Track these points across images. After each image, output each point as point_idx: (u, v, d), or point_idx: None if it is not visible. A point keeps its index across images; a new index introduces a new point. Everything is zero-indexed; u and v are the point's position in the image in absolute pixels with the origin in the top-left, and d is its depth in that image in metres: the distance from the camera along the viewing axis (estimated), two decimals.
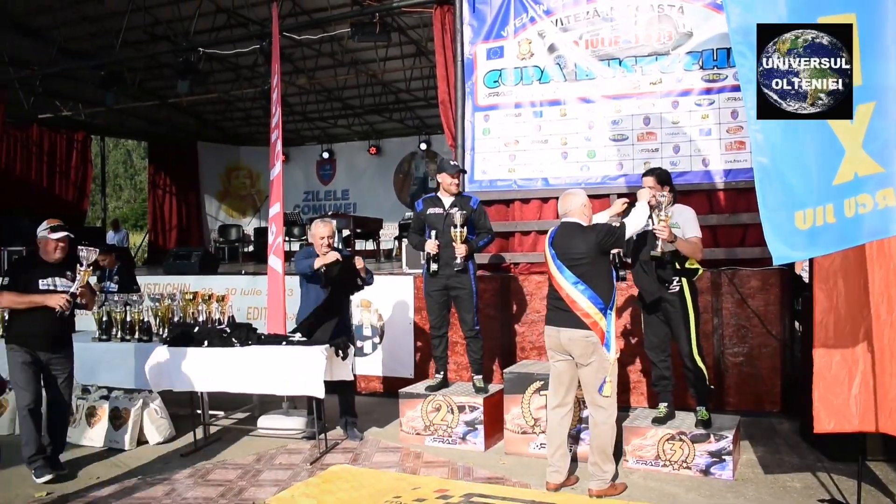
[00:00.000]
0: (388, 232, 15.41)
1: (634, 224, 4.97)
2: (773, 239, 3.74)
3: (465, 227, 5.96)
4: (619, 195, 6.98)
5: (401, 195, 18.48)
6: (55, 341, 5.43)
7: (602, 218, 5.22)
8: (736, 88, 6.67)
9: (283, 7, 11.63)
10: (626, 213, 5.29)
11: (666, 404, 5.52)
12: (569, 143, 7.31)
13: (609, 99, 7.17)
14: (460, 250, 5.93)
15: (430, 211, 6.21)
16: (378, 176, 18.94)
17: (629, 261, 5.60)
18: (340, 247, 6.50)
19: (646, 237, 5.34)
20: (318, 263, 5.93)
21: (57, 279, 5.41)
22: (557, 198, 7.18)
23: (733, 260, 6.71)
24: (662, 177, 5.44)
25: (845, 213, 3.62)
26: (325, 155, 19.38)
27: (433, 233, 6.12)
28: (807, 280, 6.55)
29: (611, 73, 7.16)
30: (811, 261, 5.07)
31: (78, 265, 5.29)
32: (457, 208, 6.00)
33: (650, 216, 5.09)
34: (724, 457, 5.12)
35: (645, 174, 5.56)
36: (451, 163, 6.32)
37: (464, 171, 6.15)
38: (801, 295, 6.76)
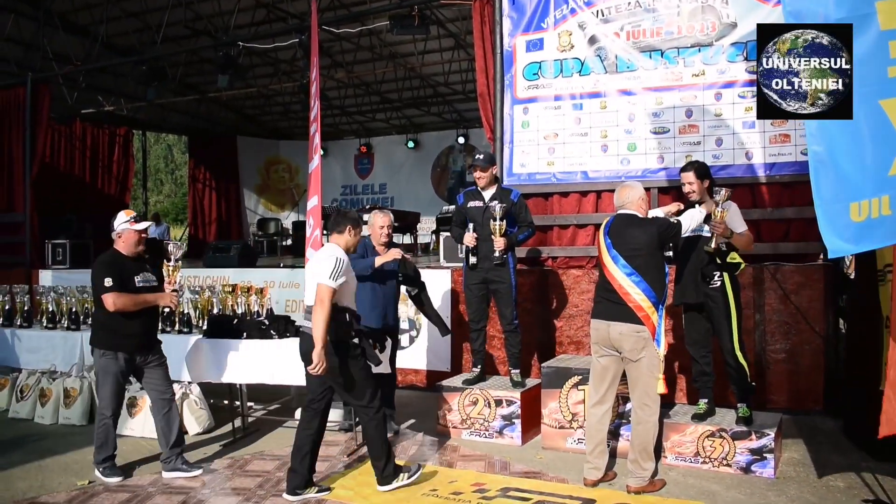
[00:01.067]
0: (426, 226, 15.43)
1: (688, 224, 4.93)
2: (828, 231, 3.63)
3: (505, 221, 5.92)
4: (660, 189, 6.96)
5: (438, 189, 18.49)
6: (153, 340, 5.44)
7: (658, 213, 5.16)
8: None
9: (322, 1, 11.67)
10: (678, 214, 5.28)
11: (706, 400, 5.44)
12: (609, 136, 7.22)
13: (650, 91, 7.06)
14: (499, 244, 5.91)
15: (471, 204, 6.20)
16: (416, 170, 18.96)
17: (671, 255, 5.52)
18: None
19: (696, 242, 5.29)
20: (378, 262, 5.96)
21: (146, 274, 5.34)
22: (596, 191, 7.23)
23: (776, 255, 6.59)
24: (701, 171, 5.37)
25: None
26: (363, 149, 19.45)
27: (472, 226, 6.11)
28: (853, 278, 6.42)
29: (652, 65, 7.05)
30: (858, 256, 4.96)
31: (165, 261, 5.29)
32: (497, 202, 5.97)
33: (713, 211, 5.07)
34: (765, 454, 5.03)
35: (683, 169, 5.48)
36: (477, 156, 6.26)
37: (491, 164, 6.07)
38: (846, 292, 6.63)
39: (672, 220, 4.91)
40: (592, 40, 7.28)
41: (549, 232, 7.57)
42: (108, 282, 5.08)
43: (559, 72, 7.46)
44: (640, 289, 4.66)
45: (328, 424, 6.29)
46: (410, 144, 18.83)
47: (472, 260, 6.07)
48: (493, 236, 5.92)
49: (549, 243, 7.54)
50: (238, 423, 6.33)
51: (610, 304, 4.78)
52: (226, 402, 6.60)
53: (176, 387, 6.35)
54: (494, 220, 5.88)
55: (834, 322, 6.56)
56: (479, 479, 5.03)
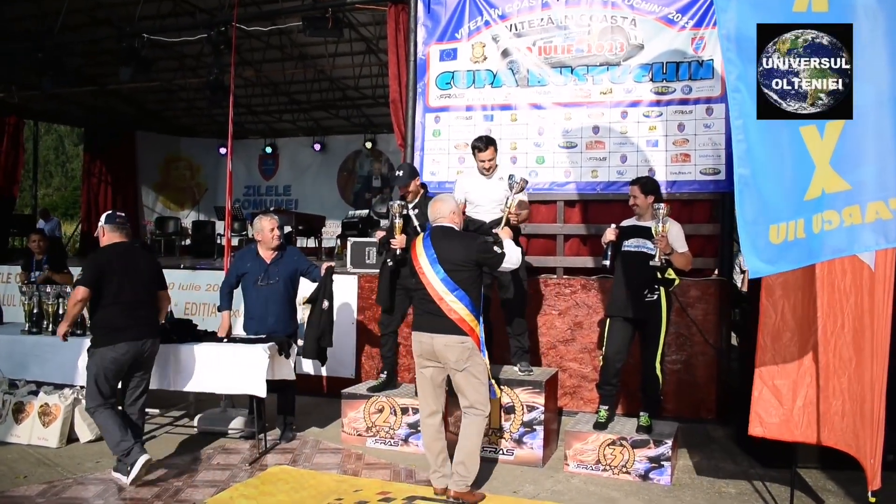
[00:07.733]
0: (331, 230, 15.28)
1: (513, 258, 4.84)
2: (749, 252, 3.77)
3: (403, 220, 5.85)
4: (567, 202, 7.13)
5: (344, 193, 18.35)
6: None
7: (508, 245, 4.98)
8: (684, 102, 6.84)
9: None
10: (619, 241, 5.47)
11: (607, 408, 5.58)
12: (518, 149, 7.35)
13: (560, 106, 7.24)
14: (397, 241, 5.84)
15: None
16: (322, 173, 18.75)
17: (608, 265, 5.57)
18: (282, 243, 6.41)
19: (639, 257, 5.39)
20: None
21: None
22: None
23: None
24: (648, 186, 5.52)
25: (813, 228, 3.70)
26: (269, 150, 19.11)
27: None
28: (745, 291, 6.73)
29: (562, 81, 7.22)
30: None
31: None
32: (417, 209, 5.96)
33: (653, 227, 5.18)
34: (662, 462, 5.20)
35: (632, 182, 5.64)
36: (398, 174, 6.18)
37: (411, 178, 6.03)
38: (739, 305, 6.95)
39: (496, 249, 4.80)
40: (505, 53, 7.40)
41: None
42: None
43: (472, 82, 7.54)
44: (463, 304, 4.67)
45: (230, 431, 6.19)
46: (317, 147, 18.62)
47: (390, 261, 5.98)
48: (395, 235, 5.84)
49: None
50: None
51: (432, 317, 4.73)
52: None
53: (67, 391, 6.09)
54: (395, 217, 5.84)
55: (727, 335, 6.87)
56: (385, 488, 5.00)
